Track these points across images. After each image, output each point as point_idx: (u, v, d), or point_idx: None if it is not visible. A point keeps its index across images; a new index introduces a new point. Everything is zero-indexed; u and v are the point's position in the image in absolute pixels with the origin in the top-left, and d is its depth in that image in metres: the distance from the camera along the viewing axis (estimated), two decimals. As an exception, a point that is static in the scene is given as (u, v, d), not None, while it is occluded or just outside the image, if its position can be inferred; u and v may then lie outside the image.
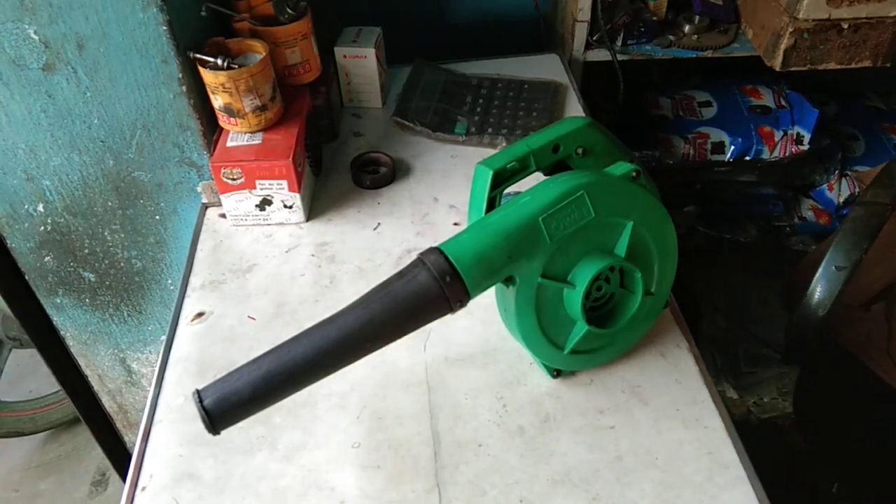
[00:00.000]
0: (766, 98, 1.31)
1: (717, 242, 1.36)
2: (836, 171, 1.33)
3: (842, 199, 1.33)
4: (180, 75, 0.79)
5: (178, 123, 0.83)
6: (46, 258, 0.96)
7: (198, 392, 0.50)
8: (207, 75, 0.79)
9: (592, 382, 0.67)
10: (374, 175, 0.93)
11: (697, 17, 1.17)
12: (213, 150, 0.84)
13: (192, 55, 0.78)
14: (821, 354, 1.10)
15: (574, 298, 0.58)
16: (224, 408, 0.50)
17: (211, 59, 0.78)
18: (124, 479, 0.64)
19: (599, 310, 0.62)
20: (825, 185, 1.35)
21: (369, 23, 1.06)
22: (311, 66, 0.92)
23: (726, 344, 1.43)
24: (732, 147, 1.27)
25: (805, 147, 1.26)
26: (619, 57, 1.16)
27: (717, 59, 1.17)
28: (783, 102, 1.30)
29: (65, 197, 0.89)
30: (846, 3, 0.97)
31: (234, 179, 0.83)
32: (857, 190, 1.32)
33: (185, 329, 0.76)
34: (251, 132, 0.84)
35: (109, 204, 0.91)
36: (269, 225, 0.88)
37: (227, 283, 0.81)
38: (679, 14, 1.20)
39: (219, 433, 0.51)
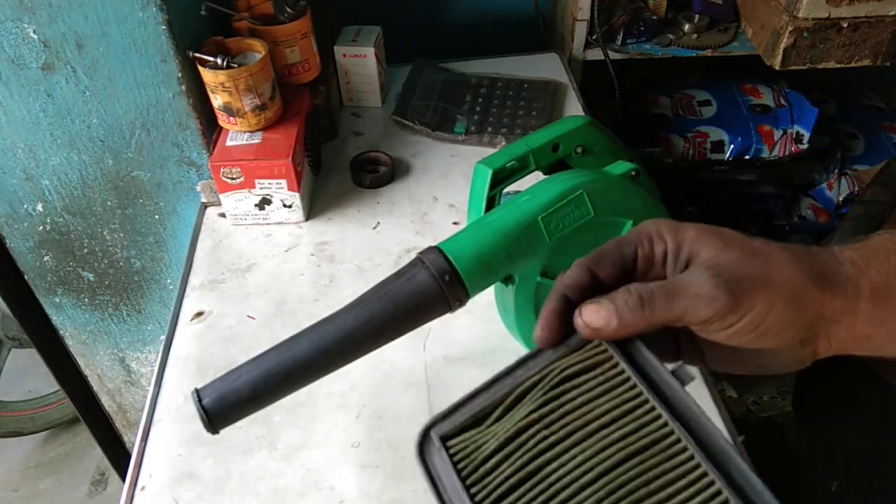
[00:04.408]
0: (766, 97, 1.31)
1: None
2: (836, 170, 1.33)
3: (841, 198, 1.33)
4: (179, 74, 0.79)
5: (178, 123, 0.83)
6: (45, 258, 0.96)
7: (197, 391, 0.50)
8: (207, 74, 0.79)
9: (592, 381, 0.67)
10: (374, 174, 0.93)
11: (697, 16, 1.17)
12: (213, 150, 0.84)
13: (191, 54, 0.78)
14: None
15: (573, 297, 0.58)
16: (223, 407, 0.50)
17: (210, 59, 0.78)
18: (124, 479, 0.64)
19: (599, 309, 0.62)
20: (825, 184, 1.35)
21: (369, 22, 1.06)
22: (311, 66, 0.92)
23: (726, 343, 1.43)
24: (732, 146, 1.27)
25: (804, 146, 1.26)
26: (619, 56, 1.16)
27: (716, 57, 1.17)
28: (783, 101, 1.30)
29: (64, 196, 0.89)
30: (846, 2, 0.97)
31: (233, 179, 0.83)
32: (856, 189, 1.32)
33: (184, 328, 0.76)
34: (251, 131, 0.84)
35: (108, 203, 0.91)
36: (268, 224, 0.88)
37: (226, 282, 0.81)
38: (679, 13, 1.20)
39: (218, 432, 0.51)
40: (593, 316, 0.35)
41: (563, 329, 0.36)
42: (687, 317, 0.34)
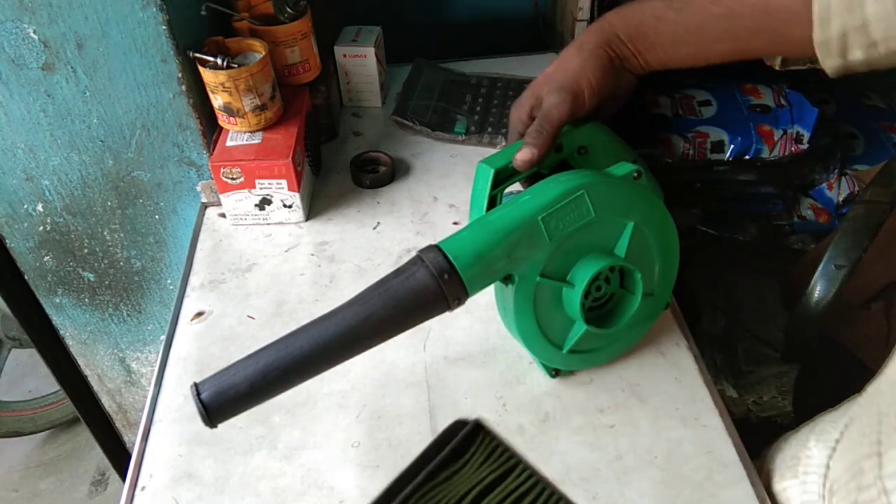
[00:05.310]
0: (766, 97, 1.31)
1: (716, 241, 1.36)
2: (836, 170, 1.33)
3: (841, 198, 1.33)
4: (180, 74, 0.79)
5: (178, 123, 0.83)
6: (46, 258, 0.96)
7: (195, 385, 0.50)
8: (207, 74, 0.79)
9: (592, 381, 0.67)
10: (374, 174, 0.93)
11: (697, 17, 1.17)
12: (213, 150, 0.84)
13: (191, 54, 0.78)
14: (820, 353, 1.09)
15: (573, 298, 0.58)
16: (221, 401, 0.50)
17: (210, 59, 0.78)
18: (124, 479, 0.64)
19: (599, 310, 0.62)
20: (825, 184, 1.35)
21: (369, 22, 1.06)
22: (311, 66, 0.92)
23: (725, 343, 1.43)
24: (732, 146, 1.27)
25: (805, 146, 1.26)
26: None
27: (716, 58, 1.17)
28: (783, 101, 1.30)
29: (64, 197, 0.89)
30: (846, 2, 0.96)
31: (233, 179, 0.83)
32: (856, 189, 1.32)
33: (184, 328, 0.76)
34: (251, 131, 0.84)
35: (109, 203, 0.91)
36: (268, 224, 0.88)
37: (226, 282, 0.81)
38: (678, 13, 1.19)
39: (216, 426, 0.51)
40: (524, 156, 0.60)
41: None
42: (560, 120, 0.61)
